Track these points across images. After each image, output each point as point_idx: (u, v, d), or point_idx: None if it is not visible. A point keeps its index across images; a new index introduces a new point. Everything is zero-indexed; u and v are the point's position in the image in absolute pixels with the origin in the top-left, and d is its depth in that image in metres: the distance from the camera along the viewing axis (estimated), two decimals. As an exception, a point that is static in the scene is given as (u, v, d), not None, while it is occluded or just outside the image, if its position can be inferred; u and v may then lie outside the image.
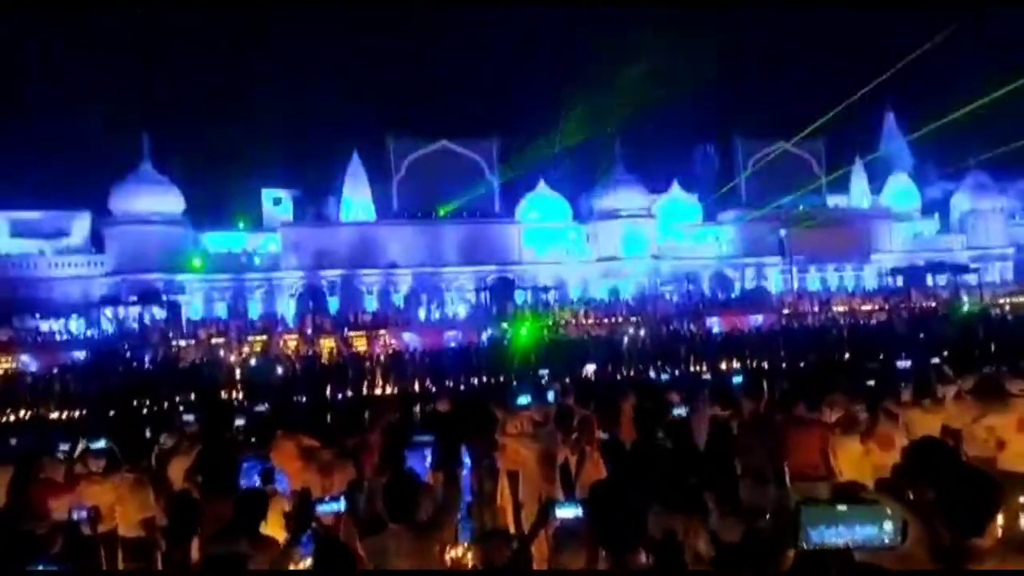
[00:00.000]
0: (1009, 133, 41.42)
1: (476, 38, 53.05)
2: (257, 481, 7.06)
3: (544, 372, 14.94)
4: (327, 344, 27.42)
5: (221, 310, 35.90)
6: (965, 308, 31.31)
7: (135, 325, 30.64)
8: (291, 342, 27.88)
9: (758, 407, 7.15)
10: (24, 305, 30.99)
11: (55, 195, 37.20)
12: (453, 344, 26.50)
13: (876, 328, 26.75)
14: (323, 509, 4.75)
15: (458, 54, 53.10)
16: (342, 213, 40.09)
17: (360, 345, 27.55)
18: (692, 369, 21.23)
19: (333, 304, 36.74)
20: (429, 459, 8.90)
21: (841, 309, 33.12)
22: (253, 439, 9.13)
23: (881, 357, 16.40)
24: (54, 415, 18.42)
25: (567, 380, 13.17)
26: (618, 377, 19.96)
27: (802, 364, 20.44)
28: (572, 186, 44.81)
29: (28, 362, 24.84)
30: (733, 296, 38.67)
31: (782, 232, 42.83)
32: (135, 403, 18.58)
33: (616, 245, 40.68)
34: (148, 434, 9.35)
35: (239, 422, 9.69)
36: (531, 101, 43.91)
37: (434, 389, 18.86)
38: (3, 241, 36.81)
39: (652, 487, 4.40)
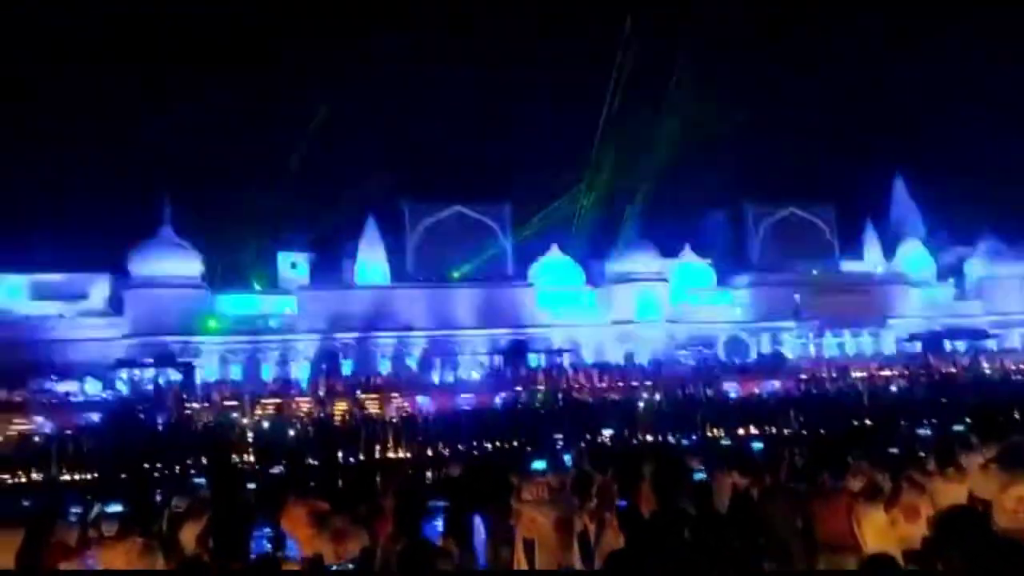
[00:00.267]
0: (1020, 199, 41.74)
1: (489, 104, 54.33)
2: (268, 547, 6.96)
3: (559, 437, 14.76)
4: (340, 407, 27.29)
5: (236, 373, 35.94)
6: (986, 374, 30.83)
7: (150, 387, 30.70)
8: (304, 405, 27.78)
9: (780, 475, 7.02)
10: (42, 366, 31.20)
11: (76, 257, 37.88)
12: (467, 407, 26.31)
13: (896, 395, 26.33)
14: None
15: (472, 120, 54.31)
16: (357, 276, 40.45)
17: (373, 408, 27.40)
18: (709, 434, 20.89)
19: (347, 367, 36.72)
20: (441, 525, 8.74)
21: (859, 375, 32.67)
22: (264, 503, 9.03)
23: (903, 424, 16.10)
24: (66, 477, 18.32)
25: (583, 445, 12.99)
26: (635, 442, 19.67)
27: (822, 431, 20.06)
28: (584, 251, 45.20)
29: (42, 423, 24.85)
30: (749, 361, 38.32)
31: (797, 297, 42.73)
32: (147, 466, 18.45)
33: (630, 309, 40.66)
34: (160, 497, 9.26)
35: (251, 485, 9.60)
36: (544, 167, 44.56)
37: (447, 453, 18.63)
38: (23, 303, 37.33)
39: (673, 557, 4.30)
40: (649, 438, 20.41)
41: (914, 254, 48.30)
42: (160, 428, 23.49)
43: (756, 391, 28.31)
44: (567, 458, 9.18)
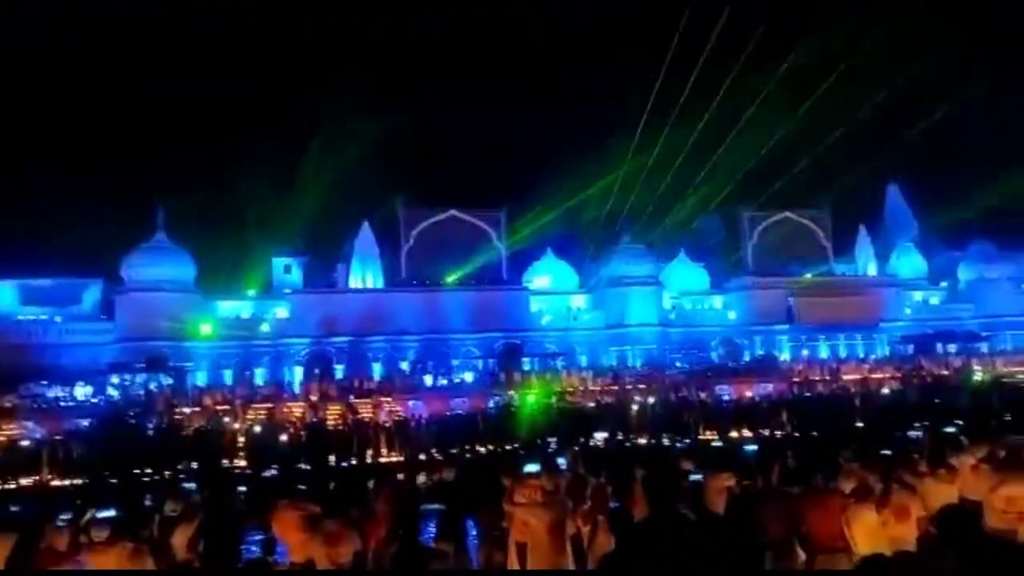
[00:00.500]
0: (1012, 203, 42.05)
1: (485, 109, 54.43)
2: (257, 552, 6.93)
3: (552, 440, 14.75)
4: (333, 411, 27.21)
5: (228, 377, 35.81)
6: (978, 376, 30.96)
7: (141, 392, 30.54)
8: (297, 410, 27.68)
9: (775, 477, 7.02)
10: (33, 371, 31.01)
11: (68, 263, 37.74)
12: (460, 411, 26.26)
13: (889, 397, 26.42)
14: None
15: (467, 124, 54.36)
16: (351, 280, 40.39)
17: (366, 412, 27.32)
18: (703, 437, 20.92)
19: (340, 371, 36.63)
20: (434, 529, 8.71)
21: (852, 377, 32.78)
22: (256, 507, 8.99)
23: (895, 426, 16.16)
24: (57, 483, 18.20)
25: (577, 448, 12.98)
26: (628, 445, 19.67)
27: (815, 433, 20.12)
28: (578, 254, 45.28)
29: (32, 428, 24.68)
30: (742, 363, 38.40)
31: (790, 300, 42.87)
32: (138, 471, 18.36)
33: (624, 312, 40.71)
34: (151, 503, 9.22)
35: (241, 489, 9.56)
36: (539, 171, 44.66)
37: (440, 457, 18.60)
38: (14, 308, 37.15)
39: (664, 559, 4.28)
40: (643, 441, 20.42)
41: (907, 258, 48.61)
42: (151, 433, 23.36)
43: (749, 394, 28.34)
44: (561, 461, 9.15)
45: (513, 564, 7.71)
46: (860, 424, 21.44)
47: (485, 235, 43.01)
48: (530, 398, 26.21)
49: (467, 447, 20.34)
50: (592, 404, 25.83)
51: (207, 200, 38.38)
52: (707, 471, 7.77)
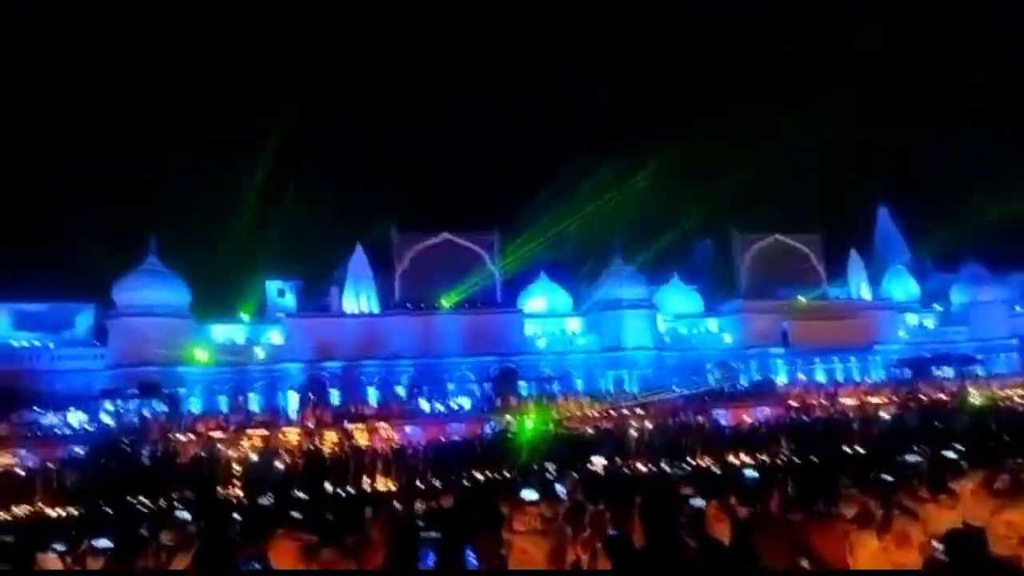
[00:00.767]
0: (1002, 225, 42.43)
1: (478, 133, 54.84)
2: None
3: (550, 465, 14.65)
4: (329, 437, 27.01)
5: (223, 402, 35.58)
6: (975, 400, 30.95)
7: (135, 419, 30.30)
8: (292, 436, 27.47)
9: (775, 503, 6.99)
10: (25, 397, 30.80)
11: (61, 288, 37.66)
12: (456, 437, 26.10)
13: (887, 421, 26.36)
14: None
15: (461, 148, 54.76)
16: (345, 304, 40.36)
17: (361, 438, 27.13)
18: (701, 462, 20.80)
19: (334, 395, 36.44)
20: (432, 557, 8.62)
21: (849, 401, 32.73)
22: (251, 536, 8.89)
23: (894, 450, 16.10)
24: (50, 511, 17.98)
25: (575, 475, 12.90)
26: (626, 471, 19.55)
27: (814, 458, 20.03)
28: (572, 277, 45.36)
29: (25, 456, 24.45)
30: (739, 387, 38.34)
31: (785, 323, 42.95)
32: (132, 499, 18.15)
33: (619, 335, 40.69)
34: (146, 531, 9.11)
35: (236, 517, 9.46)
36: (533, 195, 44.96)
37: (437, 483, 18.45)
38: (7, 333, 36.95)
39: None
40: (642, 466, 20.31)
41: (899, 280, 48.90)
42: (145, 460, 23.14)
43: (747, 418, 28.26)
44: (559, 487, 9.09)
45: (512, 592, 7.62)
46: (859, 448, 21.37)
47: (479, 258, 43.09)
48: (527, 424, 26.08)
49: (464, 474, 20.19)
50: (590, 430, 25.70)
51: (200, 224, 38.48)
52: (708, 497, 7.74)
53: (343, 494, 18.88)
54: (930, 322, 48.10)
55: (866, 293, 47.31)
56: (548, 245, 43.65)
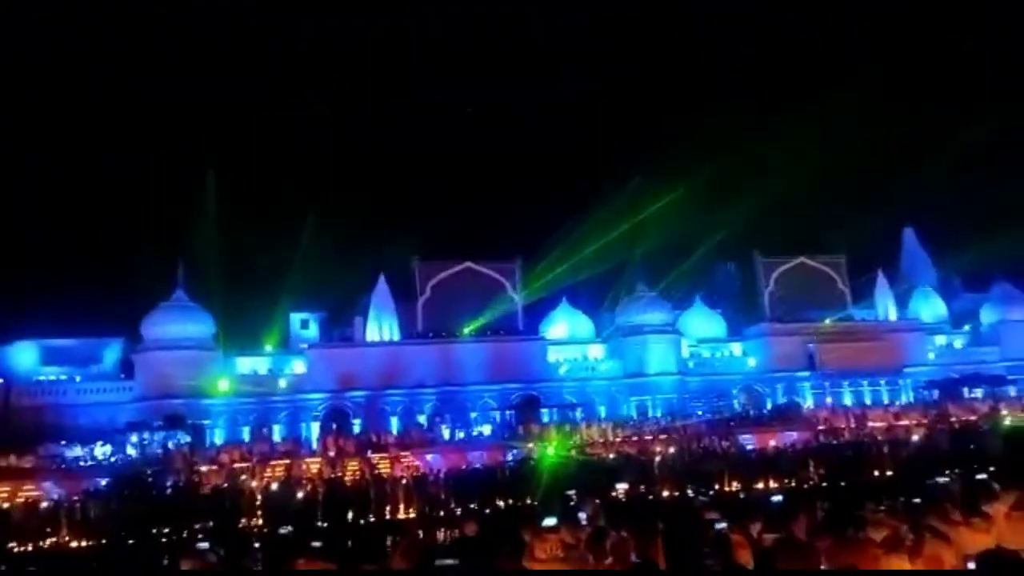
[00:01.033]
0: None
1: (499, 162, 55.27)
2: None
3: (572, 492, 14.47)
4: (351, 466, 26.95)
5: (246, 433, 35.71)
6: (1008, 421, 30.22)
7: (159, 450, 30.48)
8: (314, 465, 27.45)
9: (801, 528, 6.83)
10: (52, 431, 31.16)
11: (89, 322, 38.20)
12: (478, 464, 25.92)
13: (917, 443, 25.79)
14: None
15: (481, 177, 55.15)
16: (368, 333, 40.49)
17: (383, 467, 27.04)
18: (727, 488, 20.45)
19: (357, 425, 36.44)
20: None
21: (878, 424, 32.09)
22: (273, 566, 8.85)
23: (924, 473, 15.72)
24: (74, 544, 18.05)
25: (597, 501, 12.71)
26: (650, 497, 19.26)
27: (843, 482, 19.62)
28: (594, 303, 45.20)
29: (51, 488, 24.64)
30: (764, 411, 37.78)
31: (811, 346, 42.38)
32: (155, 531, 18.19)
33: (642, 360, 40.37)
34: (168, 563, 9.11)
35: (256, 546, 9.43)
36: (554, 222, 45.01)
37: (459, 511, 18.29)
38: (35, 368, 37.52)
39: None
40: (666, 493, 20.00)
41: (927, 302, 48.08)
42: (168, 492, 23.21)
43: (773, 443, 27.79)
44: (581, 514, 8.95)
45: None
46: (889, 472, 20.91)
47: (500, 286, 43.13)
48: (549, 451, 25.85)
49: (486, 501, 20.01)
50: (612, 456, 25.41)
51: (225, 257, 38.94)
52: (732, 522, 7.58)
53: (365, 523, 18.78)
54: (959, 343, 47.17)
55: (893, 315, 46.61)
56: (569, 272, 43.64)
